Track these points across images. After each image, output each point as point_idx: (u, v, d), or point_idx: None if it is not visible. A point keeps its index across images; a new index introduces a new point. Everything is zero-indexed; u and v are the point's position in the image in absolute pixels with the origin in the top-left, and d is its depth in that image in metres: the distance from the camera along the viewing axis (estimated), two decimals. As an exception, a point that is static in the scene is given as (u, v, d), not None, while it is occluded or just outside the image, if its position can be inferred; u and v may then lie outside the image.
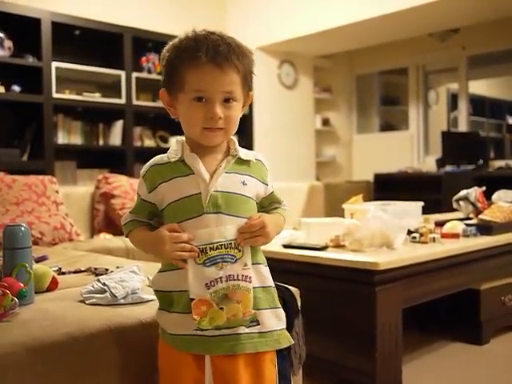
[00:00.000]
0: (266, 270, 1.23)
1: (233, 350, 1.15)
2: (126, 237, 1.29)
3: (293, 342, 1.26)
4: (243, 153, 1.24)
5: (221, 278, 1.13)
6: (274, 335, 1.20)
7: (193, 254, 1.14)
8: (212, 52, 1.14)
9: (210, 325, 1.13)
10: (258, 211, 1.25)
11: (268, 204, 1.29)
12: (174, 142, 1.26)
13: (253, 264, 1.17)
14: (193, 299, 1.13)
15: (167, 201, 1.20)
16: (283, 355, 1.26)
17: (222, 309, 1.12)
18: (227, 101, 1.18)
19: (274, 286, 1.25)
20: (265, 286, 1.21)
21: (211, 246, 1.13)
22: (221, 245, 1.14)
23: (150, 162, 1.25)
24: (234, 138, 1.25)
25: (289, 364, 1.30)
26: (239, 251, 1.15)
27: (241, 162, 1.23)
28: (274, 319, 1.21)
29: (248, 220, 1.17)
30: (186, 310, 1.15)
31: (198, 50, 1.15)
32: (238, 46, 1.19)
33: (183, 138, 1.25)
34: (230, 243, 1.14)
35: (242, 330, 1.16)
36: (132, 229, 1.26)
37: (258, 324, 1.17)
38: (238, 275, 1.13)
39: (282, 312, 1.25)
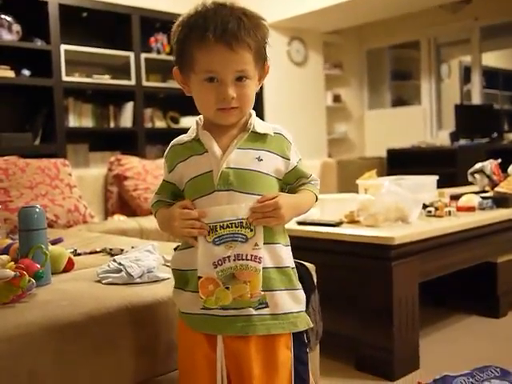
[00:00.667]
0: (284, 251, 1.18)
1: (244, 331, 1.13)
2: (155, 218, 1.27)
3: (312, 326, 1.22)
4: (260, 127, 1.19)
5: (229, 257, 1.11)
6: (289, 317, 1.16)
7: (202, 231, 1.12)
8: (220, 30, 1.09)
9: (215, 304, 1.12)
10: (283, 189, 1.22)
11: (294, 180, 1.23)
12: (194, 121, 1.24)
13: (269, 243, 1.14)
14: (200, 277, 1.12)
15: (185, 180, 1.19)
16: (301, 339, 1.21)
17: (228, 288, 1.11)
18: (240, 79, 1.14)
19: (293, 266, 1.21)
20: (280, 266, 1.16)
21: (221, 224, 1.11)
22: (231, 223, 1.11)
23: (171, 142, 1.25)
24: (253, 112, 1.22)
25: (305, 349, 1.23)
26: (251, 231, 1.11)
27: (257, 136, 1.18)
28: (290, 301, 1.17)
29: (261, 198, 1.13)
30: (197, 289, 1.14)
31: (207, 29, 1.10)
32: (249, 19, 1.13)
33: (201, 116, 1.23)
34: (241, 222, 1.11)
35: (250, 311, 1.12)
36: (157, 209, 1.25)
37: (267, 306, 1.14)
38: (247, 255, 1.11)
39: (300, 294, 1.21)
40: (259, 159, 1.15)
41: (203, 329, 1.16)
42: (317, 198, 1.27)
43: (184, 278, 1.20)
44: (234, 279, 1.11)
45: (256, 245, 1.11)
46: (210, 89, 1.14)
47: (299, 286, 1.21)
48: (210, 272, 1.11)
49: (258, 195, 1.14)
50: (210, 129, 1.19)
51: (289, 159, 1.20)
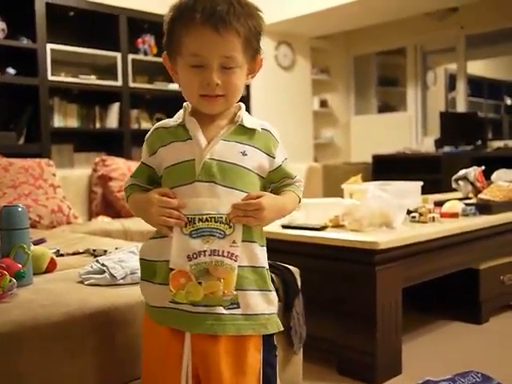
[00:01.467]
0: (260, 250, 1.15)
1: (213, 330, 1.09)
2: (127, 202, 1.23)
3: (282, 329, 1.19)
4: (248, 121, 1.16)
5: (205, 251, 1.07)
6: (260, 319, 1.13)
7: (179, 222, 1.08)
8: (208, 12, 1.06)
9: (185, 298, 1.08)
10: (267, 187, 1.19)
11: (278, 179, 1.20)
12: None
13: (245, 241, 1.11)
14: (172, 270, 1.08)
15: (164, 165, 1.15)
16: (271, 342, 1.19)
17: (200, 283, 1.07)
18: (227, 66, 1.10)
19: (267, 267, 1.17)
20: (255, 266, 1.13)
21: (200, 217, 1.08)
22: (211, 217, 1.08)
23: (155, 125, 1.21)
24: (242, 105, 1.19)
25: (275, 352, 1.21)
26: (230, 227, 1.08)
27: (245, 130, 1.15)
28: (263, 302, 1.14)
29: (245, 197, 1.10)
30: (166, 282, 1.09)
31: (194, 10, 1.07)
32: (242, 6, 1.09)
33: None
34: (221, 217, 1.08)
35: (220, 310, 1.09)
36: (131, 193, 1.21)
37: (239, 307, 1.10)
38: (223, 251, 1.07)
39: (274, 296, 1.17)
40: (244, 154, 1.12)
41: (171, 323, 1.12)
42: (300, 200, 1.24)
43: (151, 269, 1.16)
44: (208, 275, 1.07)
45: (234, 242, 1.08)
46: (195, 73, 1.10)
47: (272, 287, 1.18)
48: (184, 265, 1.07)
49: (239, 190, 1.10)
50: (197, 116, 1.15)
51: (274, 157, 1.17)
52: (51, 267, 1.69)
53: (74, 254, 2.06)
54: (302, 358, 1.82)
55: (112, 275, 1.49)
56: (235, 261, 1.08)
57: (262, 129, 1.17)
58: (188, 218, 1.09)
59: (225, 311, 1.09)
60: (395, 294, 2.22)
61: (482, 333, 2.71)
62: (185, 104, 1.20)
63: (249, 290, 1.12)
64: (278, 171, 1.19)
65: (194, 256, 1.07)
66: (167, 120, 1.20)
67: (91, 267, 1.56)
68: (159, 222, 1.10)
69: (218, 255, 1.07)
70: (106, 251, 1.94)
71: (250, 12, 1.12)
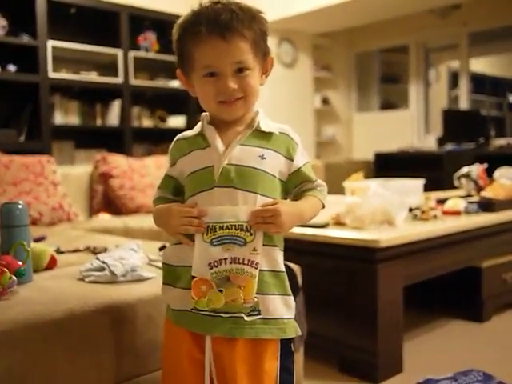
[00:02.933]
0: (279, 255, 1.16)
1: (231, 333, 1.10)
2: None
3: (300, 333, 1.19)
4: (265, 125, 1.17)
5: (225, 259, 1.07)
6: (279, 323, 1.13)
7: (199, 229, 1.09)
8: (212, 23, 1.09)
9: (207, 306, 1.08)
10: (289, 193, 1.20)
11: (299, 183, 1.20)
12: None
13: (266, 246, 1.11)
14: (194, 277, 1.09)
15: (185, 173, 1.18)
16: (289, 348, 1.18)
17: (221, 291, 1.07)
18: (240, 71, 1.12)
19: (284, 271, 1.17)
20: (275, 270, 1.13)
21: (221, 225, 1.08)
22: (231, 225, 1.08)
23: (176, 137, 1.24)
24: (260, 110, 1.20)
25: (292, 358, 1.20)
26: (250, 234, 1.08)
27: (262, 134, 1.16)
28: (283, 307, 1.14)
29: (263, 204, 1.10)
30: (188, 286, 1.10)
31: (199, 23, 1.10)
32: (243, 11, 1.12)
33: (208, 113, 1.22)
34: (242, 225, 1.08)
35: (242, 316, 1.09)
36: (156, 205, 1.23)
37: (259, 314, 1.10)
38: (244, 259, 1.07)
39: (292, 300, 1.17)
40: (262, 157, 1.13)
41: (192, 327, 1.14)
42: (323, 205, 1.22)
43: (174, 274, 1.17)
44: (229, 282, 1.07)
45: (254, 250, 1.08)
46: (210, 83, 1.13)
47: (290, 292, 1.18)
48: (205, 273, 1.08)
49: (260, 195, 1.11)
50: (215, 124, 1.17)
51: (292, 160, 1.17)
52: (51, 264, 1.69)
53: (74, 251, 2.05)
54: (303, 356, 1.82)
55: (112, 272, 1.49)
56: (256, 268, 1.08)
57: (280, 132, 1.18)
58: (209, 226, 1.09)
59: (246, 318, 1.09)
60: (396, 292, 2.21)
61: (484, 331, 2.70)
62: (203, 114, 1.21)
63: (269, 294, 1.12)
64: (297, 174, 1.19)
65: (215, 264, 1.08)
66: (186, 132, 1.23)
67: (91, 264, 1.56)
68: (180, 230, 1.11)
69: (239, 263, 1.07)
70: (106, 249, 1.93)
71: (252, 15, 1.14)
